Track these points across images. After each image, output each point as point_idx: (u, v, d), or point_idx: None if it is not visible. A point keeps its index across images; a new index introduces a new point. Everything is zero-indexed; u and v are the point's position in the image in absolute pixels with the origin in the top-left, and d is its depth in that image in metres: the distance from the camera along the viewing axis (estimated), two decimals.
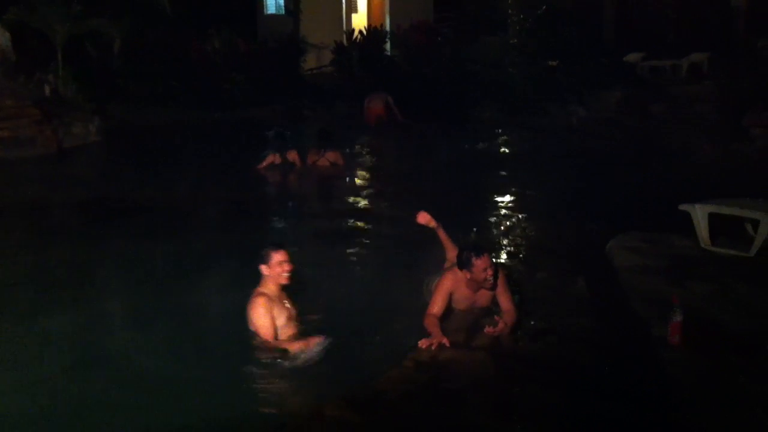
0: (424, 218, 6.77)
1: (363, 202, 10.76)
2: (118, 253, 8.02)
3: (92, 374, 5.42)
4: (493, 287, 5.96)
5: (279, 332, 5.76)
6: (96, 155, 14.40)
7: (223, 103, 18.52)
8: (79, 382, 5.31)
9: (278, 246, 6.00)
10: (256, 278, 5.94)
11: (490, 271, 5.84)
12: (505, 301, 5.97)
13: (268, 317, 5.74)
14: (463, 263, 5.89)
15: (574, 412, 4.72)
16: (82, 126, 14.96)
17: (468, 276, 5.90)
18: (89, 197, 10.78)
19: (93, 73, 17.37)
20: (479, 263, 5.81)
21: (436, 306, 5.91)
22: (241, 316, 5.85)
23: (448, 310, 6.02)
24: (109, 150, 14.78)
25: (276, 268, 5.88)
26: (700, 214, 7.55)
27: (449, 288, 6.00)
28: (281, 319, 5.81)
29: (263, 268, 5.90)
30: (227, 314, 6.12)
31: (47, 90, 15.01)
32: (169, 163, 13.10)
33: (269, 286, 5.93)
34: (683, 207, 7.72)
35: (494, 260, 6.01)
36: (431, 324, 5.71)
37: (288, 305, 5.96)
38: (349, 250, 8.31)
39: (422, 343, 5.48)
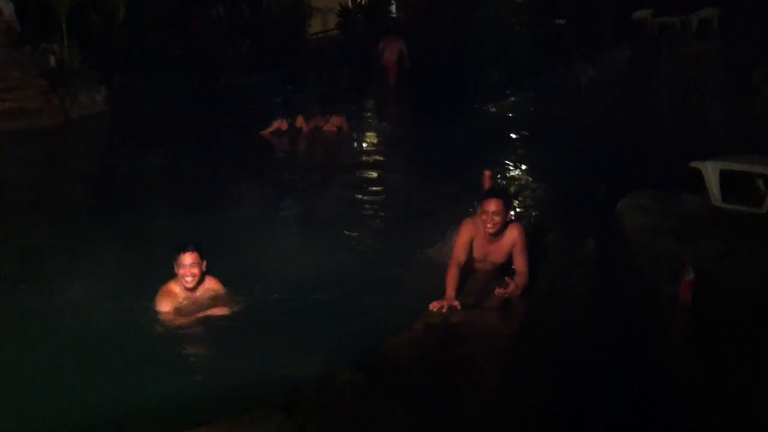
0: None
1: (371, 166, 10.75)
2: (120, 229, 7.92)
3: (95, 348, 5.42)
4: (494, 235, 5.99)
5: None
6: (103, 125, 14.39)
7: (227, 70, 18.45)
8: (84, 356, 5.31)
9: (186, 247, 5.81)
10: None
11: (494, 218, 5.89)
12: (520, 262, 5.97)
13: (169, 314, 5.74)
14: (476, 204, 6.03)
15: (583, 375, 4.72)
16: (89, 95, 14.94)
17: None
18: (96, 169, 10.80)
19: (97, 42, 17.28)
20: (485, 204, 5.93)
21: (458, 255, 5.94)
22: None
23: (465, 266, 6.01)
24: (116, 119, 14.75)
25: (179, 270, 5.79)
26: (711, 171, 7.49)
27: (469, 235, 6.03)
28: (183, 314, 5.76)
29: (175, 267, 5.81)
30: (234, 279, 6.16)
31: (52, 60, 14.93)
32: (174, 131, 13.07)
33: (176, 287, 5.85)
34: (694, 164, 7.66)
35: (507, 213, 5.98)
36: (450, 280, 5.71)
37: (202, 310, 5.80)
38: (359, 214, 8.34)
39: (433, 306, 5.49)
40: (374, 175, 10.22)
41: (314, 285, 6.22)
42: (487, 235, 6.02)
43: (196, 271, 5.80)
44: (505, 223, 6.01)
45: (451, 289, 5.64)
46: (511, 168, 10.38)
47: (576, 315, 5.58)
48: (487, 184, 6.94)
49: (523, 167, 10.49)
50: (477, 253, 6.14)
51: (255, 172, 10.56)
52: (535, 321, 5.51)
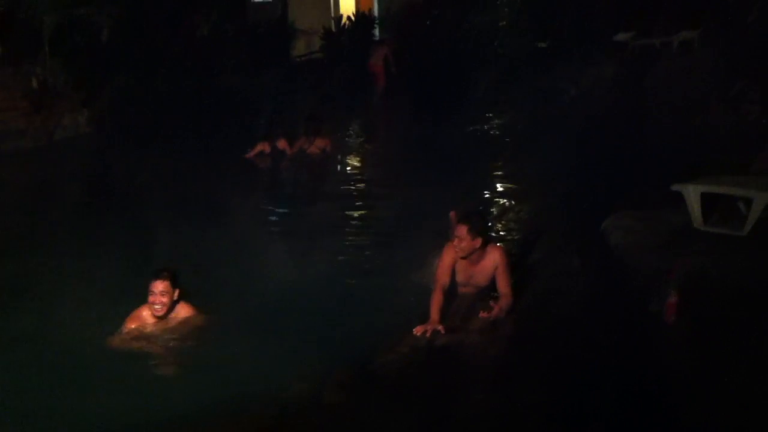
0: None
1: (355, 188, 10.77)
2: (103, 250, 7.81)
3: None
4: (465, 257, 6.01)
5: None
6: (86, 147, 14.33)
7: (212, 89, 18.43)
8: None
9: (159, 274, 5.79)
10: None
11: (460, 243, 5.94)
12: (503, 285, 5.98)
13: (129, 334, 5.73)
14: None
15: (568, 394, 4.72)
16: (72, 117, 14.89)
17: None
18: (79, 191, 10.74)
19: (81, 63, 17.24)
20: (455, 229, 6.02)
21: (441, 278, 5.98)
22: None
23: (449, 289, 6.02)
24: (99, 141, 14.69)
25: (149, 297, 5.77)
26: (692, 194, 7.50)
27: (452, 258, 6.06)
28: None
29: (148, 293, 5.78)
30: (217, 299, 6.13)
31: (34, 82, 14.88)
32: (158, 153, 13.00)
33: (146, 312, 5.82)
34: (676, 187, 7.67)
35: (474, 239, 5.97)
36: (434, 304, 5.73)
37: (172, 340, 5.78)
38: (343, 237, 8.32)
39: (417, 330, 5.51)
40: (358, 197, 10.23)
41: (296, 307, 6.23)
42: (470, 258, 6.03)
43: (165, 299, 5.76)
44: (477, 248, 6.01)
45: (435, 313, 5.65)
46: (496, 187, 10.40)
47: (561, 334, 5.57)
48: (454, 224, 6.83)
49: (508, 186, 10.51)
50: (460, 277, 6.14)
51: (236, 195, 10.50)
52: (520, 341, 5.53)
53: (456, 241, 5.95)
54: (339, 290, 6.74)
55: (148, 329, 5.81)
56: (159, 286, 5.73)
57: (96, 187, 10.92)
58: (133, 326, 5.78)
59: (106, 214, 9.36)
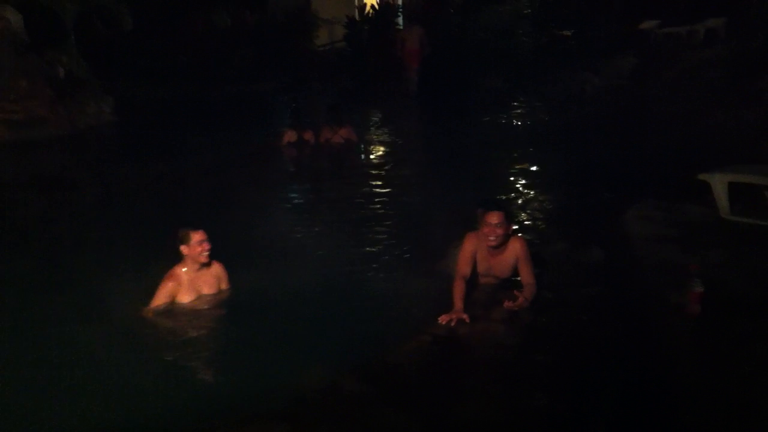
0: None
1: (378, 177, 10.76)
2: (125, 237, 7.94)
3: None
4: (496, 248, 5.99)
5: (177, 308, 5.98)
6: (110, 135, 14.43)
7: (231, 78, 18.50)
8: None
9: (196, 226, 6.12)
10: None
11: (496, 230, 5.89)
12: (526, 274, 5.97)
13: (163, 299, 5.97)
14: (477, 217, 6.03)
15: (590, 385, 4.73)
16: (96, 105, 14.99)
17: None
18: (100, 178, 10.83)
19: (104, 51, 17.35)
20: (487, 217, 5.94)
21: (462, 268, 5.96)
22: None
23: (470, 279, 6.02)
24: (123, 129, 14.79)
25: (196, 248, 6.06)
26: (719, 183, 7.46)
27: (472, 248, 6.04)
28: (185, 300, 6.03)
29: (183, 249, 6.07)
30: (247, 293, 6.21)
31: (61, 71, 14.98)
32: (182, 141, 13.10)
33: (189, 266, 6.11)
34: (702, 176, 7.63)
35: (508, 226, 6.00)
36: (457, 293, 5.72)
37: (206, 289, 6.14)
38: (367, 226, 8.33)
39: (442, 319, 5.49)
40: (381, 186, 10.23)
41: (319, 295, 6.24)
42: (490, 248, 6.02)
43: (207, 246, 6.08)
44: (507, 236, 6.02)
45: (458, 301, 5.65)
46: (517, 177, 10.37)
47: (583, 325, 5.57)
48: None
49: (529, 176, 10.49)
50: (481, 267, 6.13)
51: (263, 184, 10.60)
52: (543, 332, 5.50)
53: (492, 228, 5.89)
54: (361, 279, 6.75)
55: (188, 284, 6.07)
56: (202, 235, 6.07)
57: (116, 177, 10.97)
58: (169, 290, 6.02)
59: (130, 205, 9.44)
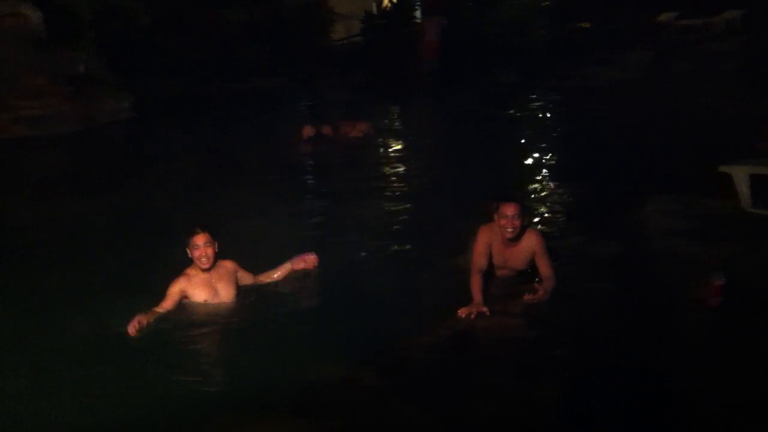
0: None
1: (397, 170, 10.78)
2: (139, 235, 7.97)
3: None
4: (513, 240, 5.95)
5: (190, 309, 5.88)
6: (128, 131, 14.49)
7: (246, 73, 18.54)
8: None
9: (194, 230, 5.89)
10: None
11: (513, 222, 5.85)
12: (544, 267, 5.93)
13: (173, 297, 5.84)
14: (493, 209, 5.97)
15: (609, 380, 4.70)
16: (114, 102, 15.05)
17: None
18: (116, 175, 10.88)
19: (121, 48, 17.43)
20: (503, 208, 5.87)
21: (478, 262, 5.90)
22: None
23: (487, 273, 5.98)
24: (140, 126, 14.85)
25: (193, 252, 5.88)
26: (741, 175, 7.39)
27: (487, 241, 5.99)
28: (199, 298, 5.91)
29: (188, 251, 5.92)
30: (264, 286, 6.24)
31: (81, 68, 15.02)
32: (198, 136, 13.14)
33: (195, 269, 5.95)
34: (723, 168, 7.56)
35: (522, 216, 5.95)
36: (475, 286, 5.68)
37: (221, 286, 5.96)
38: (385, 219, 8.35)
39: (461, 312, 5.46)
40: (399, 180, 10.25)
41: (337, 289, 6.24)
42: (505, 241, 5.98)
43: (210, 251, 5.88)
44: (523, 229, 5.99)
45: (477, 294, 5.60)
46: (534, 170, 10.35)
47: (601, 320, 5.53)
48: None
49: (546, 170, 10.46)
50: (496, 260, 6.10)
51: (281, 179, 10.61)
52: (560, 325, 5.48)
53: (509, 220, 5.84)
54: (379, 272, 6.76)
55: (201, 285, 5.94)
56: (200, 239, 5.85)
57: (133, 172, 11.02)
58: (179, 283, 5.91)
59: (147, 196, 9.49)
